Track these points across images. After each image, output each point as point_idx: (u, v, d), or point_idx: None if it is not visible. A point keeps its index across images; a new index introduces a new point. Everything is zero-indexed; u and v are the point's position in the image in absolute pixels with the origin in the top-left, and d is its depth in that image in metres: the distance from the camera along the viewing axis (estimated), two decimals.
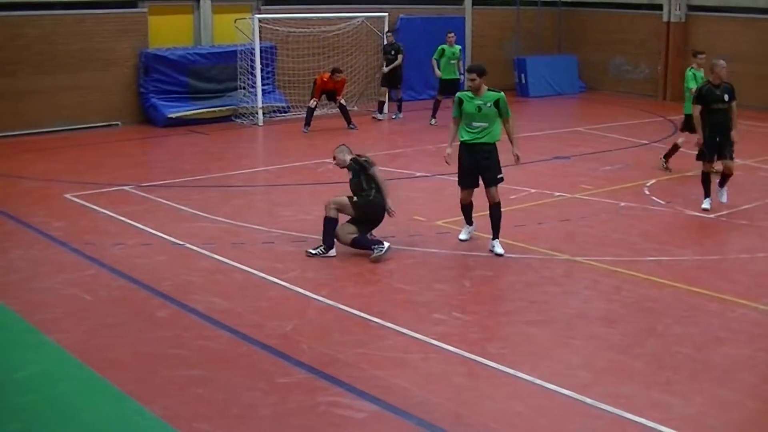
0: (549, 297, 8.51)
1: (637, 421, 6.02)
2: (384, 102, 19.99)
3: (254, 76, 18.69)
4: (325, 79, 18.20)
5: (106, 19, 18.55)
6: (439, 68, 18.68)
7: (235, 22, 19.34)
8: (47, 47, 17.80)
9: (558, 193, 12.56)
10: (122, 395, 4.94)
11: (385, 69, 19.63)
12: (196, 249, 9.93)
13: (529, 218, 11.22)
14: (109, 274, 9.11)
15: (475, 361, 7.01)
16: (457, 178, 10.07)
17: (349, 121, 18.44)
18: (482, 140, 9.69)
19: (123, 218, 11.22)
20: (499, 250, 9.76)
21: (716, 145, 11.43)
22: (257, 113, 18.91)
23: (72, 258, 9.68)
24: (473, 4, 24.39)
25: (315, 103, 18.21)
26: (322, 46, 20.63)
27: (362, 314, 7.97)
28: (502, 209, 9.86)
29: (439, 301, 8.36)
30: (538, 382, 6.61)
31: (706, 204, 11.60)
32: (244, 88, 19.11)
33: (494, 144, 9.76)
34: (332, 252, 9.65)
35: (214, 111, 19.13)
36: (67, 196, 12.43)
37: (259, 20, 18.89)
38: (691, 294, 8.56)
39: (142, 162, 16.15)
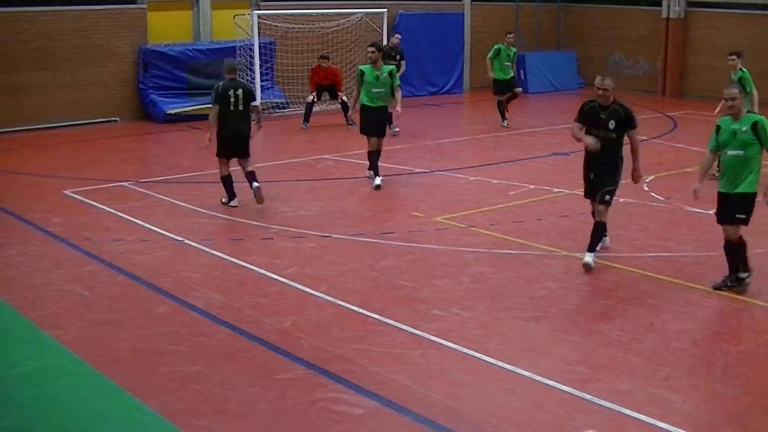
0: (548, 293, 8.51)
1: (635, 417, 6.02)
2: (390, 113, 18.62)
3: (253, 72, 18.68)
4: (314, 68, 18.40)
5: (105, 14, 18.53)
6: (492, 68, 18.11)
7: (234, 18, 19.33)
8: (46, 43, 17.78)
9: (557, 189, 12.55)
10: (121, 391, 4.93)
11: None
12: (195, 245, 9.93)
13: (528, 214, 11.21)
14: (108, 270, 9.11)
15: (474, 357, 7.01)
16: (359, 129, 12.88)
17: (348, 118, 18.38)
18: (379, 104, 12.69)
19: (122, 214, 11.21)
20: (379, 181, 12.48)
21: (590, 181, 9.22)
22: None
23: (70, 254, 9.67)
24: (472, 1, 24.36)
25: (313, 98, 18.17)
26: (321, 42, 20.61)
27: (361, 310, 7.97)
28: (500, 205, 10.39)
29: (437, 297, 8.35)
30: (537, 377, 6.62)
31: (587, 257, 9.02)
32: None
33: (386, 108, 12.86)
34: (234, 202, 11.44)
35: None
36: (66, 192, 12.42)
37: (258, 16, 18.89)
38: (689, 290, 8.56)
39: (141, 158, 16.14)
